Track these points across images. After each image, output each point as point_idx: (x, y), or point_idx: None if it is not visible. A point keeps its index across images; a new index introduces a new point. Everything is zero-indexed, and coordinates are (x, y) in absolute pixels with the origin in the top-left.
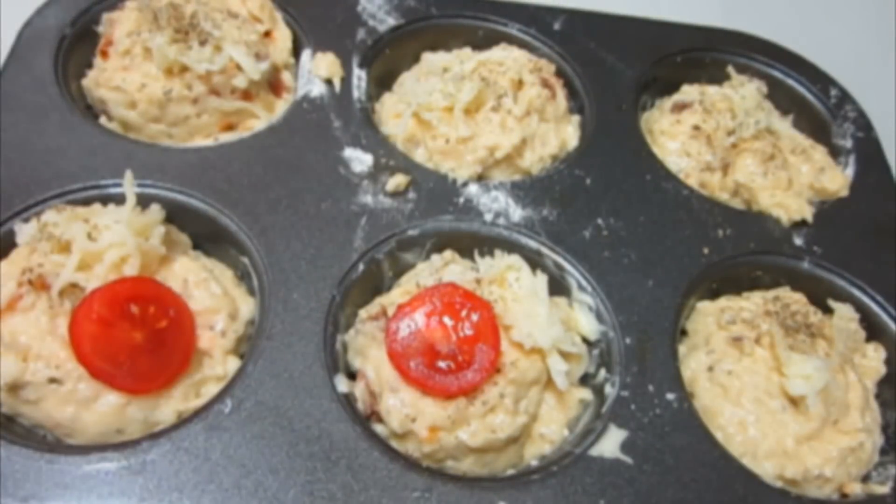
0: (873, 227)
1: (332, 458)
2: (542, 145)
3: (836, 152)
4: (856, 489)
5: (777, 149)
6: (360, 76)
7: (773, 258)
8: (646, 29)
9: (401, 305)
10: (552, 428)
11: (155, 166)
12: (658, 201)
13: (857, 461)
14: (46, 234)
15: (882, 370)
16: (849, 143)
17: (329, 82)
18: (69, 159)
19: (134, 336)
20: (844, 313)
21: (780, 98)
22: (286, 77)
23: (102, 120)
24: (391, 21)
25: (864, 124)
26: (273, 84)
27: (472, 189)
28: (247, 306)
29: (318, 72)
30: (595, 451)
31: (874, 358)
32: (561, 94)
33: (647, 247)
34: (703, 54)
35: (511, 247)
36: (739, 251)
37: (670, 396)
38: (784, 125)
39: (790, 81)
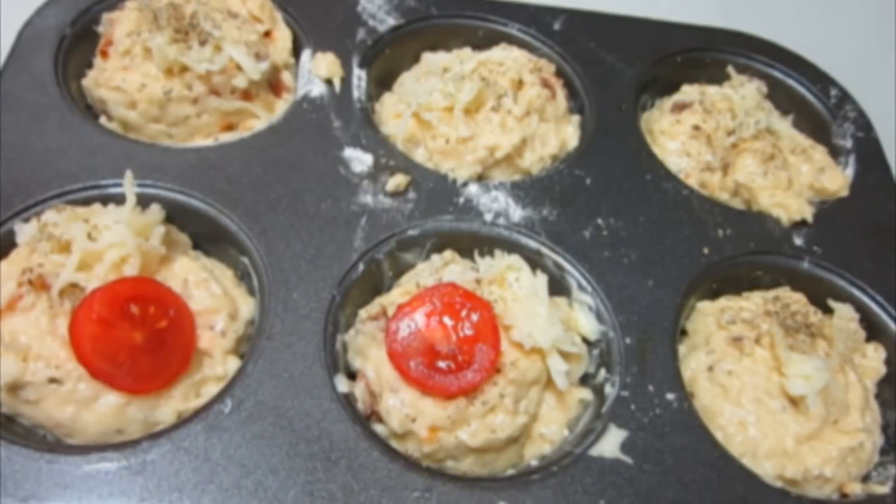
0: (873, 227)
1: (332, 458)
2: (542, 145)
3: (836, 152)
4: (856, 489)
5: (777, 149)
6: (360, 76)
7: (773, 258)
8: (646, 29)
9: (401, 305)
10: (552, 428)
11: (155, 166)
12: (658, 201)
13: (857, 461)
14: (46, 234)
15: (882, 370)
16: (849, 143)
17: (329, 82)
18: (69, 159)
19: (134, 336)
20: (844, 313)
21: (780, 98)
22: (286, 77)
23: (102, 120)
24: (391, 21)
25: (864, 124)
26: (273, 84)
27: (472, 189)
28: (247, 306)
29: (318, 72)
30: (595, 451)
31: (874, 358)
32: (561, 94)
33: (647, 247)
34: (703, 54)
35: (511, 247)
36: (739, 251)
37: (670, 396)
38: (784, 125)
39: (790, 81)
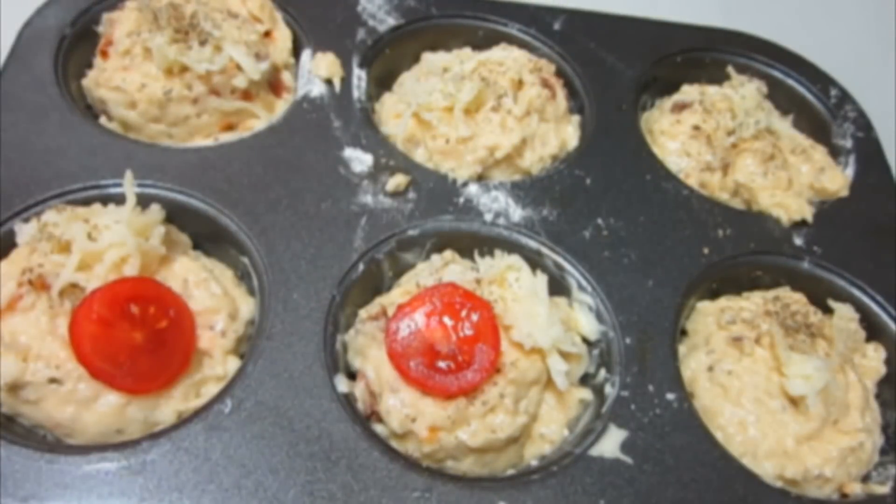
0: (873, 227)
1: (332, 458)
2: (542, 145)
3: (836, 152)
4: (856, 489)
5: (777, 149)
6: (360, 76)
7: (773, 258)
8: (646, 29)
9: (401, 305)
10: (552, 428)
11: (155, 166)
12: (658, 201)
13: (857, 461)
14: (46, 234)
15: (882, 370)
16: (849, 143)
17: (329, 82)
18: (69, 159)
19: (134, 336)
20: (844, 313)
21: (780, 98)
22: (286, 77)
23: (102, 120)
24: (391, 21)
25: (864, 124)
26: (273, 84)
27: (472, 189)
28: (247, 306)
29: (318, 72)
30: (595, 451)
31: (874, 358)
32: (561, 94)
33: (647, 247)
34: (703, 54)
35: (511, 247)
36: (739, 251)
37: (670, 396)
38: (784, 125)
39: (790, 81)
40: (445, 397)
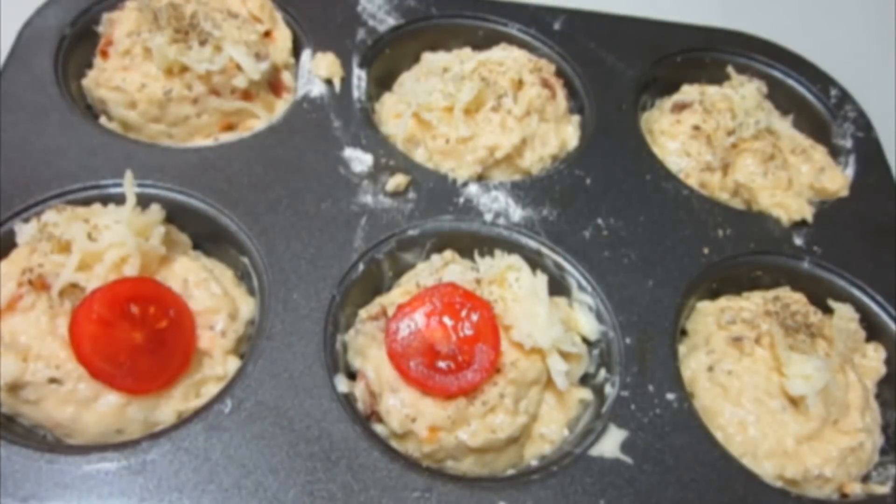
0: (873, 227)
1: (332, 458)
2: (542, 145)
3: (836, 152)
4: (856, 489)
5: (777, 149)
6: (360, 76)
7: (773, 258)
8: (646, 29)
9: (401, 305)
10: (552, 428)
11: (155, 166)
12: (658, 201)
13: (857, 461)
14: (46, 234)
15: (882, 370)
16: (849, 143)
17: (329, 82)
18: (69, 159)
19: (134, 336)
20: (844, 313)
21: (780, 98)
22: (286, 77)
23: (102, 120)
24: (391, 21)
25: (864, 124)
26: (273, 84)
27: (472, 189)
28: (247, 306)
29: (318, 72)
30: (595, 451)
31: (874, 358)
32: (561, 94)
33: (647, 247)
34: (703, 54)
35: (511, 247)
36: (739, 251)
37: (670, 396)
38: (784, 125)
39: (790, 81)
40: (445, 397)
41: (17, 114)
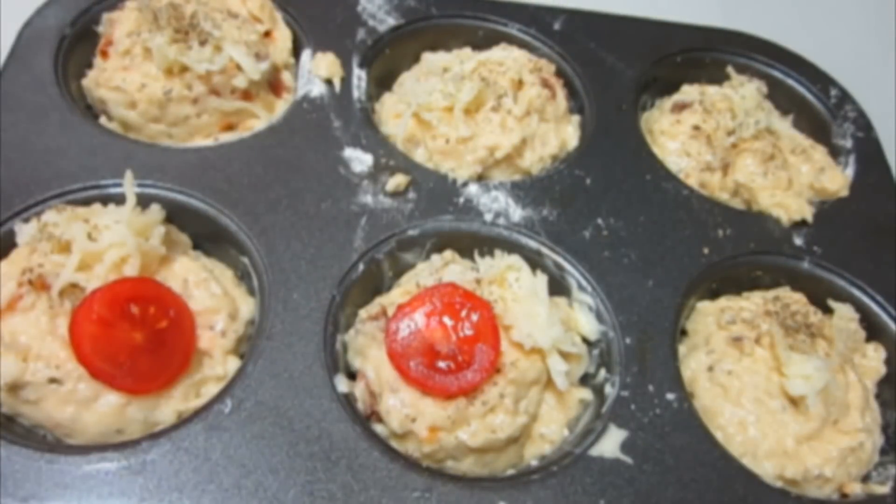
0: (873, 227)
1: (332, 458)
2: (542, 145)
3: (836, 152)
4: (856, 489)
5: (777, 149)
6: (360, 76)
7: (773, 258)
8: (646, 29)
9: (401, 305)
10: (552, 428)
11: (155, 166)
12: (658, 201)
13: (857, 461)
14: (46, 234)
15: (882, 370)
16: (849, 143)
17: (329, 82)
18: (69, 159)
19: (134, 336)
20: (844, 313)
21: (780, 98)
22: (286, 77)
23: (102, 120)
24: (391, 21)
25: (864, 124)
26: (273, 84)
27: (472, 189)
28: (247, 306)
29: (318, 72)
30: (595, 451)
31: (874, 358)
32: (561, 94)
33: (647, 247)
34: (703, 54)
35: (511, 247)
36: (739, 251)
37: (670, 396)
38: (784, 125)
39: (790, 81)
40: (445, 397)
41: (17, 114)
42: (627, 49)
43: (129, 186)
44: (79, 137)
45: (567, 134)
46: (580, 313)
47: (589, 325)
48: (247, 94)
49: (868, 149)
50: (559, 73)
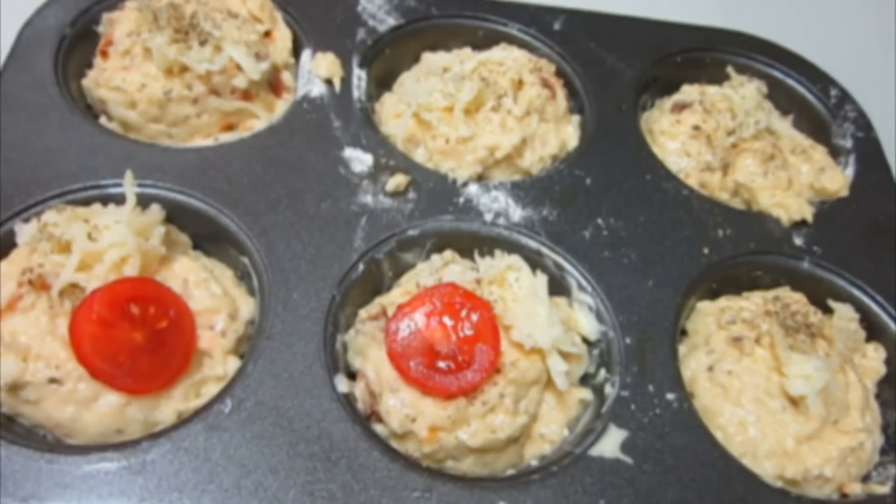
0: (873, 227)
1: (332, 458)
2: (542, 145)
3: (836, 152)
4: (856, 489)
5: (777, 149)
6: (360, 76)
7: (773, 258)
8: (646, 29)
9: (401, 305)
10: (552, 428)
11: (155, 166)
12: (658, 201)
13: (857, 461)
14: (46, 234)
15: (882, 370)
16: (849, 143)
17: (329, 82)
18: (69, 159)
19: (134, 336)
20: (844, 313)
21: (780, 98)
22: (286, 77)
23: (102, 120)
24: (391, 21)
25: (864, 124)
26: (273, 84)
27: (472, 189)
28: (247, 306)
29: (318, 72)
30: (595, 451)
31: (874, 358)
32: (561, 94)
33: (647, 247)
34: (703, 54)
35: (511, 247)
36: (739, 251)
37: (670, 396)
38: (784, 125)
39: (790, 81)
40: (445, 397)
41: (17, 114)
42: (627, 49)
43: (129, 186)
44: (79, 137)
45: (567, 134)
46: (580, 313)
47: (589, 325)
48: (247, 94)
49: (868, 149)
50: (559, 73)
